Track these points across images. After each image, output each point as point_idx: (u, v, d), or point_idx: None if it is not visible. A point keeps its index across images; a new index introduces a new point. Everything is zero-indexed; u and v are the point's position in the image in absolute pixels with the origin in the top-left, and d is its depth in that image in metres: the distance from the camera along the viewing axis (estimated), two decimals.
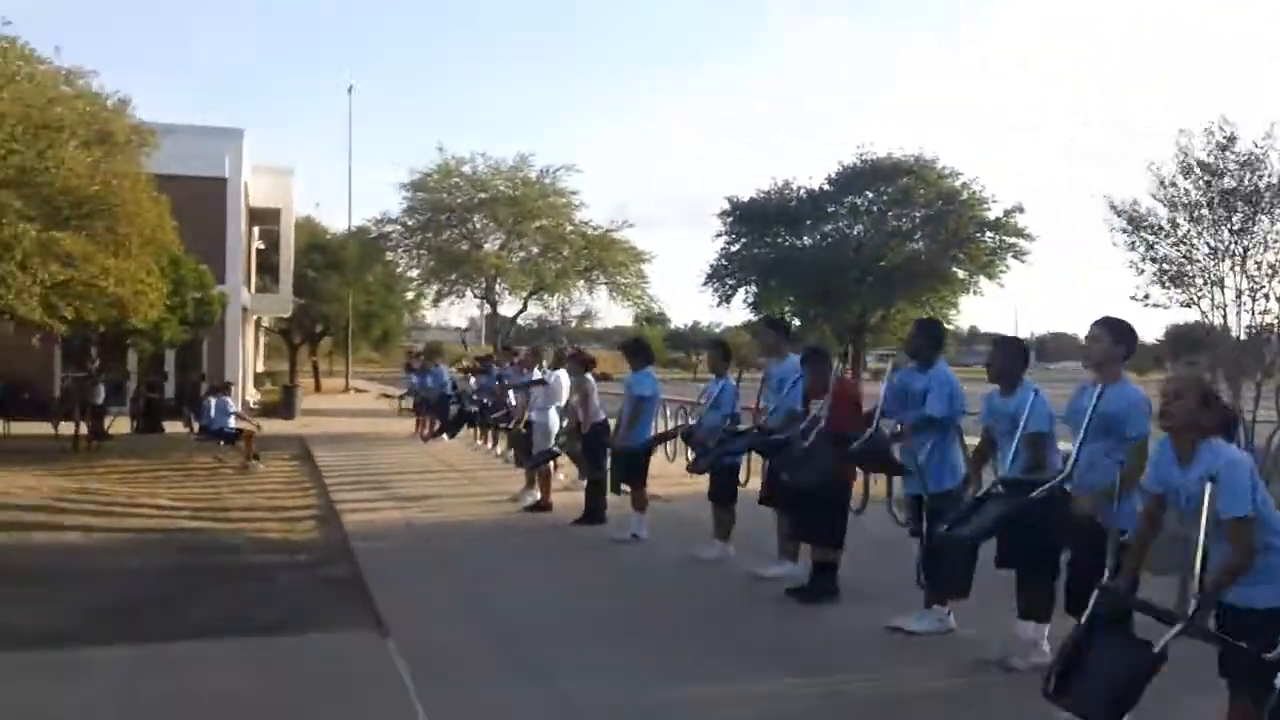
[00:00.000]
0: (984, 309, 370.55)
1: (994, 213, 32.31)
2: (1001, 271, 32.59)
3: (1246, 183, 20.14)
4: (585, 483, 12.98)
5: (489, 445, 20.76)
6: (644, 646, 7.41)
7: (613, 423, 12.25)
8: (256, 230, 38.78)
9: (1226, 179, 20.53)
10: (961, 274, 32.99)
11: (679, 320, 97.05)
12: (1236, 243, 20.77)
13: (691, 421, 11.95)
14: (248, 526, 12.27)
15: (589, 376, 12.59)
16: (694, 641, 7.57)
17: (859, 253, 31.76)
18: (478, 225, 40.19)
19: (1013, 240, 32.40)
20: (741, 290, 34.24)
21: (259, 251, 41.01)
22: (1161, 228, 21.06)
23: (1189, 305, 20.97)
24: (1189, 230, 21.05)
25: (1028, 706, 6.15)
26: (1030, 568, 6.73)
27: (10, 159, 15.22)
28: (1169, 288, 21.17)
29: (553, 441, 13.49)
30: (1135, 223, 21.11)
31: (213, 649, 7.30)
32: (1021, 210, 32.05)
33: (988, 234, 32.45)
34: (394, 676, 6.57)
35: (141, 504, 13.74)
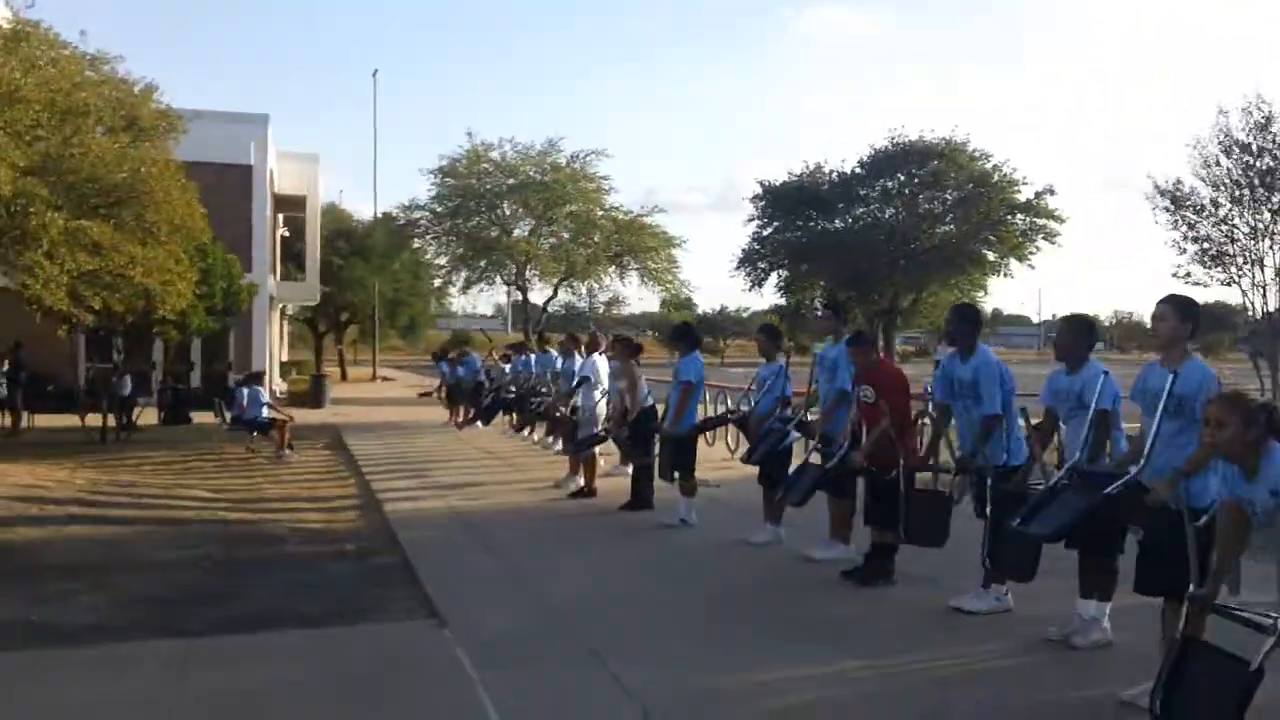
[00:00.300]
0: (1005, 292, 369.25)
1: (1025, 194, 31.88)
2: (1031, 253, 32.22)
3: None
4: (627, 468, 13.05)
5: (526, 432, 20.50)
6: (702, 630, 7.24)
7: (659, 408, 12.04)
8: (281, 217, 38.61)
9: (1265, 159, 20.21)
10: (992, 256, 32.53)
11: (707, 305, 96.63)
12: (1276, 222, 20.47)
13: (743, 407, 11.66)
14: (288, 517, 12.02)
15: (634, 363, 12.37)
16: (751, 625, 7.41)
17: (891, 237, 31.29)
18: (507, 211, 39.93)
19: (1043, 222, 31.95)
20: (773, 274, 33.92)
21: (283, 239, 40.84)
22: (1204, 207, 20.79)
23: (1229, 284, 20.69)
24: (1230, 210, 20.75)
25: (1086, 685, 6.07)
26: (1094, 548, 6.61)
27: (35, 145, 15.04)
28: (1210, 267, 20.88)
29: (598, 427, 13.29)
30: (1178, 202, 20.85)
31: (263, 641, 7.09)
32: (1053, 192, 31.60)
33: (1019, 216, 32.00)
34: (455, 666, 6.38)
35: (178, 496, 13.52)
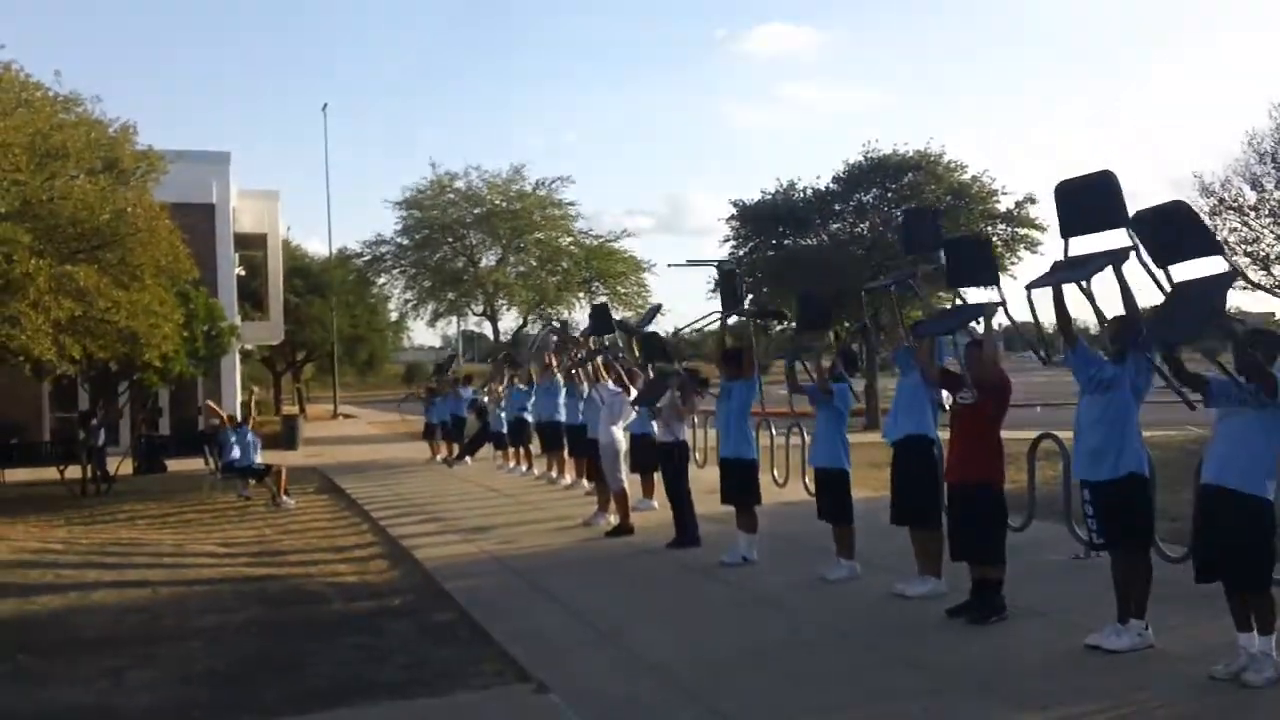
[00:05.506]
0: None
1: (1005, 204, 31.52)
2: (1013, 263, 31.88)
3: None
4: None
5: (524, 467, 19.87)
6: (844, 688, 6.63)
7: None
8: (237, 256, 37.67)
9: None
10: None
11: (666, 327, 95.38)
12: None
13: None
14: (317, 571, 11.33)
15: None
16: (887, 673, 6.88)
17: (870, 252, 30.74)
18: (474, 241, 39.19)
19: (1025, 231, 31.62)
20: (750, 295, 33.25)
21: (239, 278, 39.89)
22: (1254, 207, 20.38)
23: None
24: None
25: None
26: (1247, 580, 6.28)
27: (15, 190, 14.34)
28: (1265, 270, 20.49)
29: (623, 461, 12.80)
30: (1225, 203, 20.48)
31: (361, 718, 6.43)
32: (1034, 201, 31.19)
33: (1000, 226, 31.61)
34: None
35: (191, 552, 12.75)
